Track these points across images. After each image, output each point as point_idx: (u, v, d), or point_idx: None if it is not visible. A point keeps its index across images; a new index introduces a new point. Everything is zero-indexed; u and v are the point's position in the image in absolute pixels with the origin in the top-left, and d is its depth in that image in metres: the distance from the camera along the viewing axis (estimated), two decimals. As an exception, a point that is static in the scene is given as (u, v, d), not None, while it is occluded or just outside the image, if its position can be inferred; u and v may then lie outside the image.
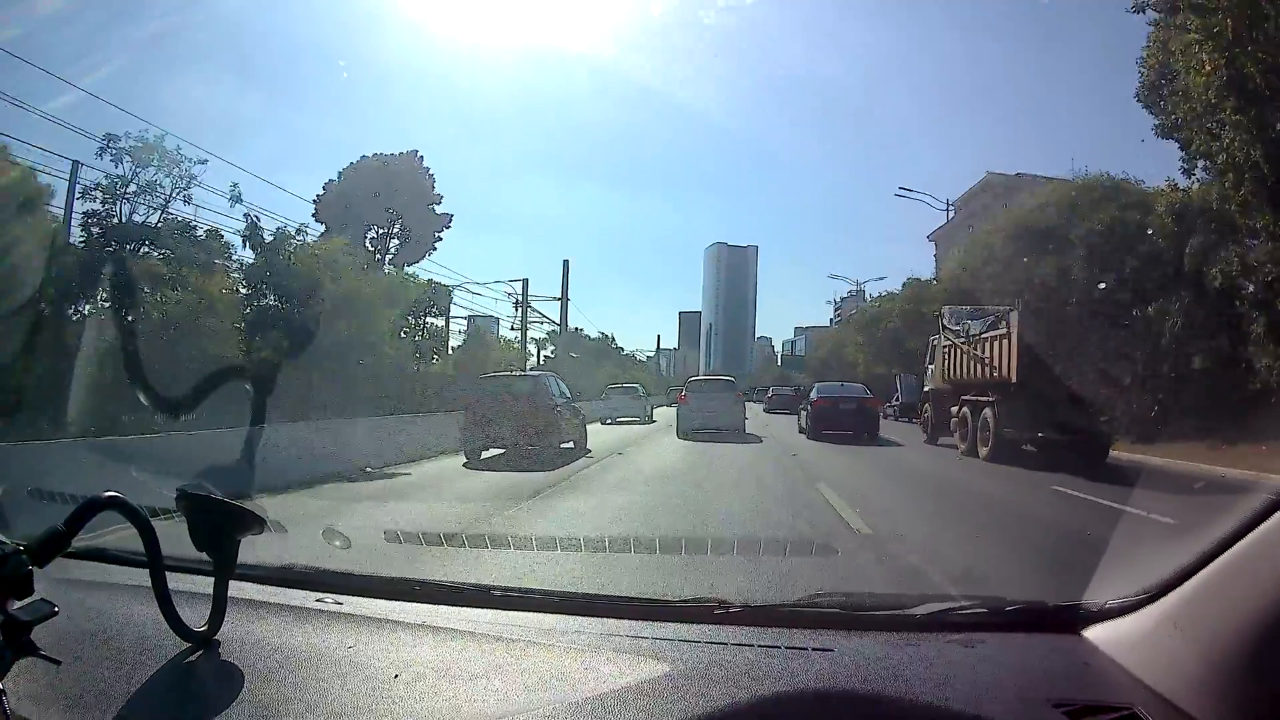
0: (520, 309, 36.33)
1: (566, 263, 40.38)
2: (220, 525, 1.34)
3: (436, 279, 31.42)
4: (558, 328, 41.82)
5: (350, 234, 32.52)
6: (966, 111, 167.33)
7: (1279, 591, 1.08)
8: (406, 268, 32.77)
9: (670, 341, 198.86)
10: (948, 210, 46.05)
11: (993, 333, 14.31)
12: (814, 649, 1.41)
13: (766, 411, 34.03)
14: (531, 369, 31.14)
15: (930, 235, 57.35)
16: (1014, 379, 13.16)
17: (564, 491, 9.31)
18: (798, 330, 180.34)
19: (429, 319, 32.18)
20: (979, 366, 14.68)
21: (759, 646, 1.43)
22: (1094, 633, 1.46)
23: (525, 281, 35.87)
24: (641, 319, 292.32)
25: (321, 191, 35.59)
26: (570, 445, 14.04)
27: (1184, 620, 1.25)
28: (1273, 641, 1.07)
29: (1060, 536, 6.62)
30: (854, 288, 73.07)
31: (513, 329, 38.57)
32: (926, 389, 18.95)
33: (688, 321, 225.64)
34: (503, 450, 12.89)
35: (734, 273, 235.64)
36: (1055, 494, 9.69)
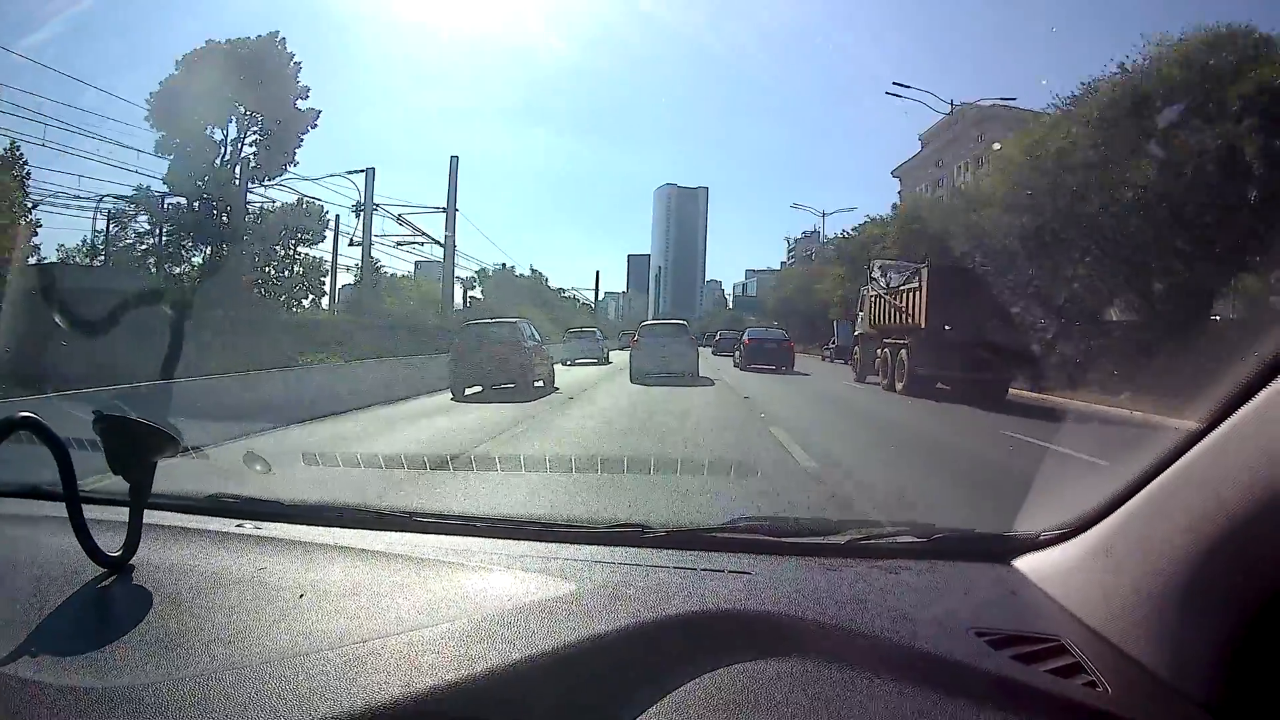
0: (362, 214, 30.58)
1: (454, 159, 34.61)
2: (136, 447, 1.39)
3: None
4: (485, 269, 40.26)
5: (194, 142, 28.00)
6: (928, 46, 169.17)
7: (1205, 520, 1.08)
8: (268, 182, 28.77)
9: (618, 284, 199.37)
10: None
11: (908, 285, 16.84)
12: (731, 571, 1.43)
13: (715, 354, 34.69)
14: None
15: (895, 170, 57.13)
16: (924, 325, 15.73)
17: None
18: (749, 273, 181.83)
19: (301, 248, 28.10)
20: (897, 314, 17.25)
21: (674, 568, 1.45)
22: (1024, 563, 1.47)
23: (370, 171, 30.62)
24: (591, 264, 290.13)
25: (157, 88, 28.60)
26: (540, 384, 16.16)
27: (1114, 550, 1.26)
28: (1200, 571, 1.07)
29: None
30: (817, 219, 72.42)
31: (351, 243, 32.80)
32: (857, 333, 21.67)
33: (636, 264, 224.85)
34: (481, 389, 14.98)
35: (684, 215, 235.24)
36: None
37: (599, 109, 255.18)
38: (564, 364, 25.40)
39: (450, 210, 32.92)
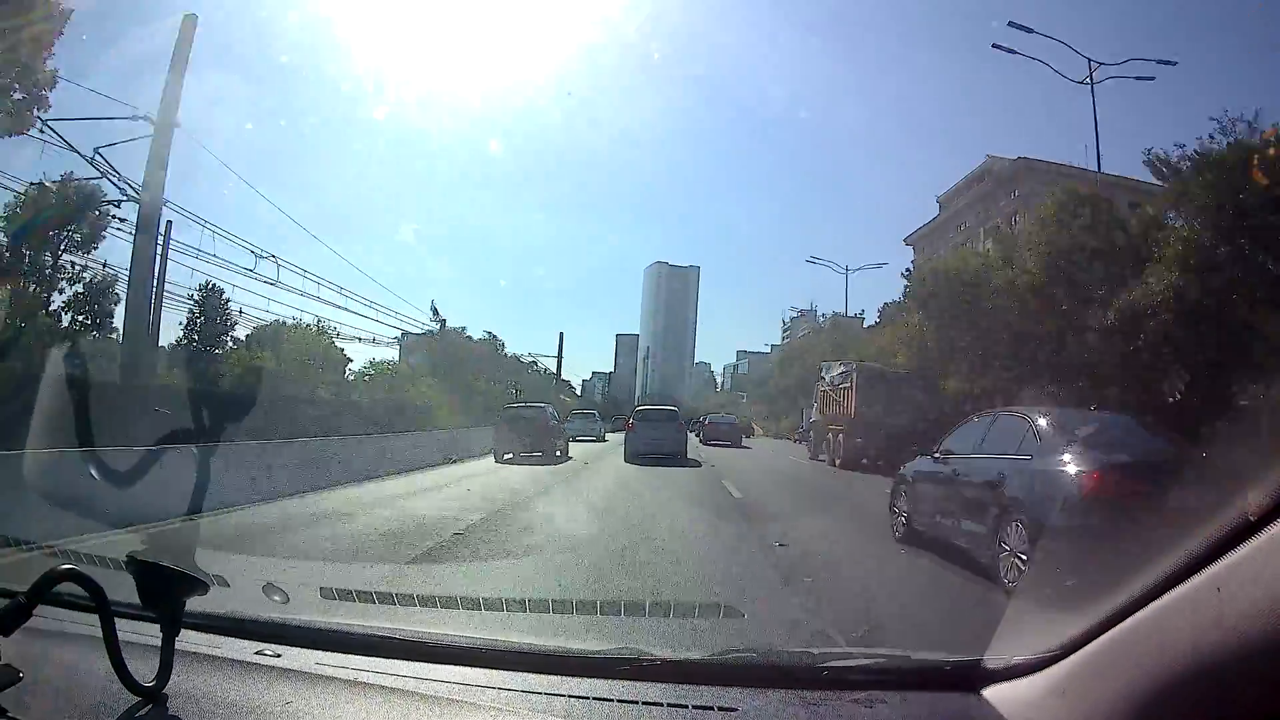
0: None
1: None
2: (166, 587, 1.57)
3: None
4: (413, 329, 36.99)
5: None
6: (918, 135, 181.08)
7: (1161, 671, 1.17)
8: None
9: (606, 363, 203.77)
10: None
11: (844, 383, 22.80)
12: (719, 708, 1.65)
13: (703, 443, 33.67)
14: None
15: (908, 238, 56.92)
16: (853, 414, 21.55)
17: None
18: (740, 353, 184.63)
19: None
20: (836, 405, 23.14)
21: (668, 705, 1.67)
22: (994, 693, 1.64)
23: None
24: (579, 342, 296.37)
25: None
26: (559, 454, 21.78)
27: (1070, 690, 1.40)
28: (1173, 713, 1.16)
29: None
30: (837, 271, 63.73)
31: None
32: (811, 420, 27.67)
33: (624, 344, 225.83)
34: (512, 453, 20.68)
35: (674, 293, 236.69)
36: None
37: (588, 186, 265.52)
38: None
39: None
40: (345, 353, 35.56)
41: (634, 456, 20.54)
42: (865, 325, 47.61)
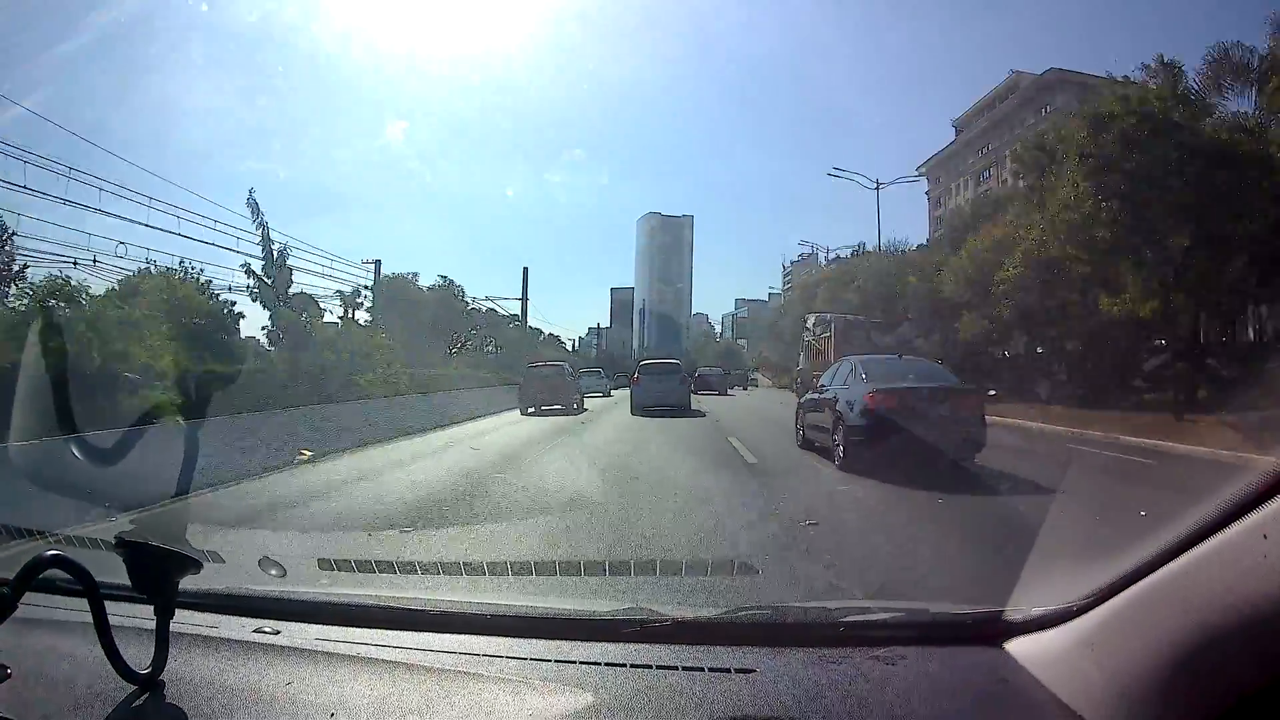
0: None
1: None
2: (159, 569, 1.56)
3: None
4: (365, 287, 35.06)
5: None
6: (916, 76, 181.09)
7: (1193, 623, 1.18)
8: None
9: (602, 318, 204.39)
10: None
11: (825, 333, 26.21)
12: (736, 670, 1.62)
13: (694, 392, 38.62)
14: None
15: (921, 167, 54.60)
16: (833, 359, 25.00)
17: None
18: (739, 302, 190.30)
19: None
20: (819, 355, 26.58)
21: (683, 669, 1.63)
22: (1015, 646, 1.64)
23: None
24: (573, 300, 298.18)
25: None
26: (576, 406, 25.29)
27: (1109, 638, 1.39)
28: (1184, 671, 1.19)
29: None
30: (864, 183, 54.95)
31: None
32: (799, 369, 31.19)
33: (620, 298, 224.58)
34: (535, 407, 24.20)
35: (669, 245, 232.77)
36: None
37: (577, 137, 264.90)
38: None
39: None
40: (235, 308, 29.85)
41: (639, 409, 22.31)
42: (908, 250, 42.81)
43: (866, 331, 25.45)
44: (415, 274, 47.91)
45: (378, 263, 36.86)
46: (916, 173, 53.97)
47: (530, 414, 23.42)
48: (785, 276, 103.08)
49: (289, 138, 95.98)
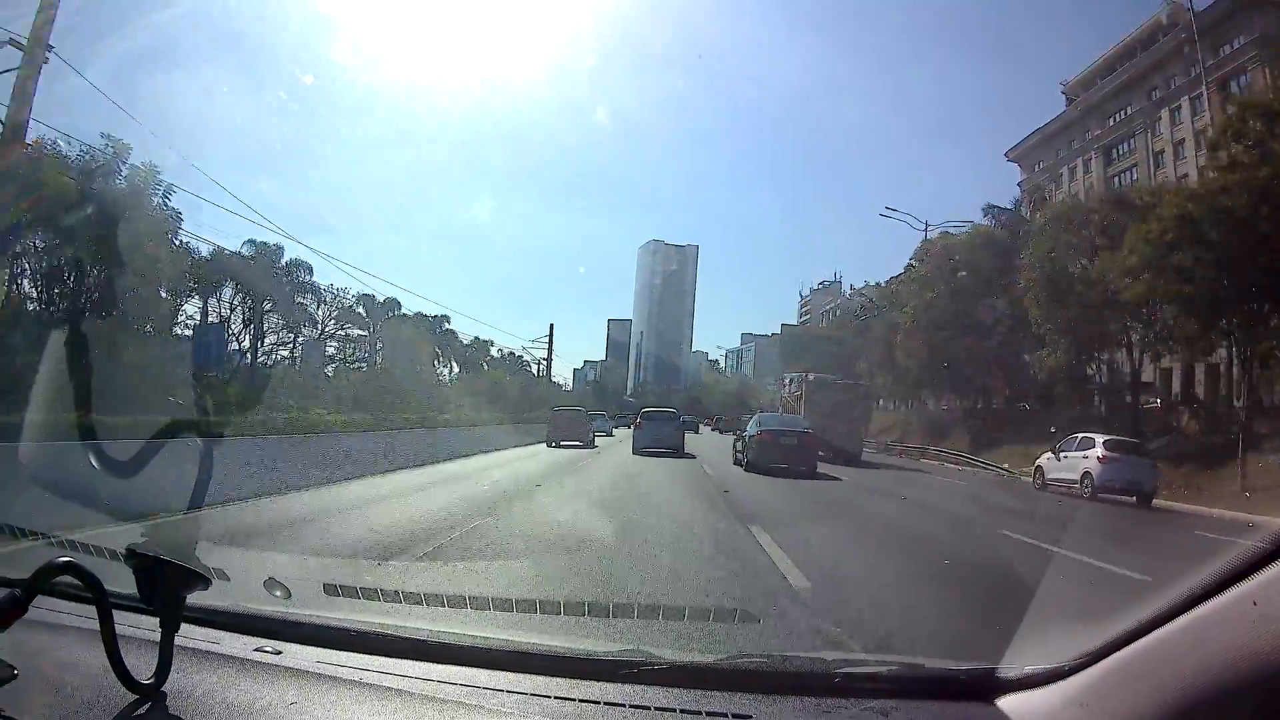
0: None
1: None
2: (167, 582, 1.65)
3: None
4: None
5: None
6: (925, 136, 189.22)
7: (1184, 685, 1.27)
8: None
9: (597, 353, 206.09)
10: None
11: (797, 391, 33.87)
12: (733, 715, 1.75)
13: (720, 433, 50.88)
14: None
15: (1011, 152, 51.93)
16: (802, 414, 32.59)
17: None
18: (746, 337, 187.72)
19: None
20: (793, 408, 34.16)
21: (680, 712, 1.76)
22: (1007, 703, 1.76)
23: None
24: (570, 331, 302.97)
25: None
26: (589, 442, 33.03)
27: (1091, 702, 1.50)
28: None
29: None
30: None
31: None
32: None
33: (616, 330, 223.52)
34: (555, 442, 31.76)
35: (671, 275, 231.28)
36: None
37: (579, 166, 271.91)
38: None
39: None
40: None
41: (640, 450, 28.02)
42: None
43: (833, 390, 33.03)
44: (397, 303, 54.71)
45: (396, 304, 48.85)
46: (1007, 158, 53.35)
47: (553, 446, 31.10)
48: (803, 306, 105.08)
49: (282, 158, 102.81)
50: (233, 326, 41.06)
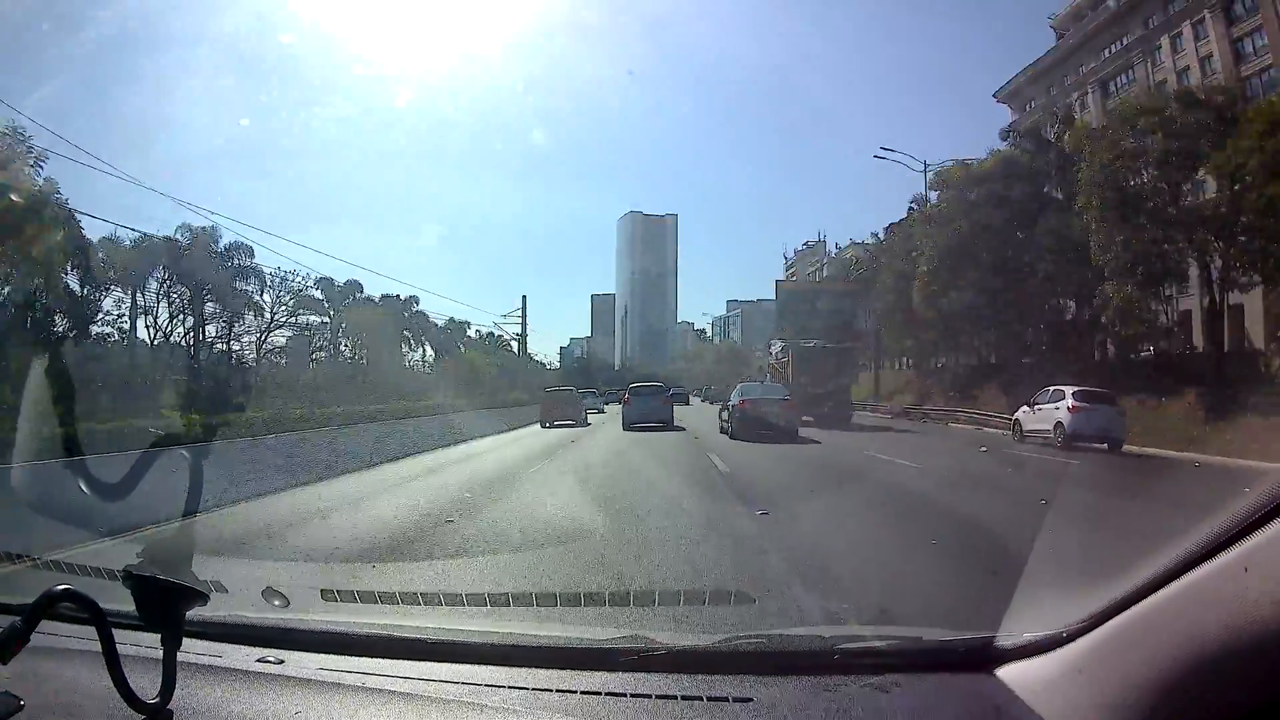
0: None
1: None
2: (166, 601, 1.68)
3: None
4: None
5: None
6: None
7: (1182, 649, 1.29)
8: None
9: (583, 329, 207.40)
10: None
11: (784, 356, 34.01)
12: (734, 699, 1.78)
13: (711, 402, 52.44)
14: None
15: (999, 93, 48.87)
16: (789, 382, 32.74)
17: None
18: (731, 304, 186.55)
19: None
20: (780, 375, 34.32)
21: (682, 698, 1.79)
22: (1006, 672, 1.79)
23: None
24: (554, 309, 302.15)
25: None
26: (582, 420, 33.20)
27: (1100, 666, 1.50)
28: (1173, 696, 1.29)
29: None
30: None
31: None
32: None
33: (601, 305, 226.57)
34: (549, 422, 31.93)
35: (651, 247, 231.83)
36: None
37: (552, 144, 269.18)
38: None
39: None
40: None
41: (629, 425, 28.36)
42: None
43: (819, 357, 33.16)
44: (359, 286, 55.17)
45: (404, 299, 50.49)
46: (997, 99, 50.65)
47: (548, 427, 31.26)
48: (789, 269, 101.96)
49: (261, 145, 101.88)
50: (158, 319, 41.27)
